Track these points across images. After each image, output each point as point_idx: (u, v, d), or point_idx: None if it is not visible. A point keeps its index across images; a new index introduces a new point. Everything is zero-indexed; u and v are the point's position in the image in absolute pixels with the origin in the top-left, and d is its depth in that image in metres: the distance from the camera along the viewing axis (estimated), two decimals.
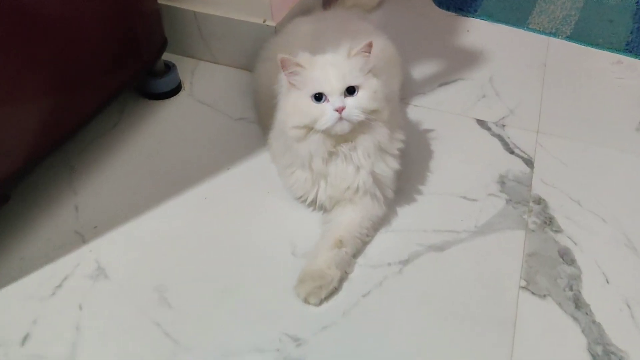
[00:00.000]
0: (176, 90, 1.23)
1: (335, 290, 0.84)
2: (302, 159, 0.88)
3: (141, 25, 1.07)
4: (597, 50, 1.38)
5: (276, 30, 1.20)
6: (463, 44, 1.40)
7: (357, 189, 0.89)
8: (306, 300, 0.83)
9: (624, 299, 0.85)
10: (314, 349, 0.78)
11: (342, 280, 0.86)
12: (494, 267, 0.89)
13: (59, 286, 0.86)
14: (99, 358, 0.78)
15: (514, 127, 1.15)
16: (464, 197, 1.00)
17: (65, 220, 0.96)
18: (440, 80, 1.28)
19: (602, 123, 1.17)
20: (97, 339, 0.80)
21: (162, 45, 1.16)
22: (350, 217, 0.90)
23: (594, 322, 0.82)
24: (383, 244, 0.92)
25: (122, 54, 1.05)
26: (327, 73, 0.83)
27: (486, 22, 1.48)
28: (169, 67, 1.22)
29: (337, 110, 0.81)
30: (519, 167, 1.07)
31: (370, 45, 0.85)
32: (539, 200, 1.00)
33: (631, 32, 1.43)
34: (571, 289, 0.86)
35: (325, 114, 0.82)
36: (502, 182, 1.03)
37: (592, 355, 0.78)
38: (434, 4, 1.55)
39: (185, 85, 1.25)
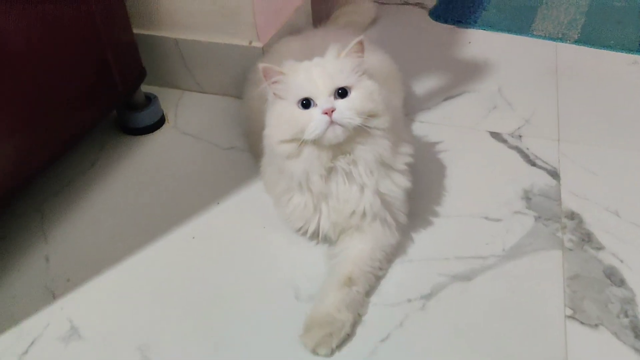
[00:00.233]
0: (159, 123, 1.15)
1: (348, 337, 0.75)
2: (298, 179, 0.78)
3: (114, 56, 1.01)
4: (610, 52, 1.34)
5: (264, 52, 1.13)
6: (465, 56, 1.35)
7: (364, 214, 0.80)
8: (315, 351, 0.73)
9: None
10: None
11: (355, 324, 0.77)
12: (532, 294, 0.80)
13: (25, 353, 0.76)
14: None
15: (532, 137, 1.08)
16: (486, 218, 0.92)
17: (35, 273, 0.87)
18: (445, 94, 1.22)
19: (627, 126, 1.10)
20: None
21: (139, 77, 1.10)
22: (359, 249, 0.82)
23: None
24: (400, 277, 0.84)
25: (95, 87, 0.99)
26: (312, 75, 0.75)
27: (488, 32, 1.44)
28: (150, 100, 1.14)
29: (326, 113, 0.72)
30: (543, 179, 0.98)
31: (361, 43, 0.77)
32: (572, 215, 0.91)
33: None
34: (626, 315, 0.76)
35: (313, 119, 0.73)
36: (527, 197, 0.94)
37: None
38: (430, 19, 1.51)
39: (169, 118, 1.18)
